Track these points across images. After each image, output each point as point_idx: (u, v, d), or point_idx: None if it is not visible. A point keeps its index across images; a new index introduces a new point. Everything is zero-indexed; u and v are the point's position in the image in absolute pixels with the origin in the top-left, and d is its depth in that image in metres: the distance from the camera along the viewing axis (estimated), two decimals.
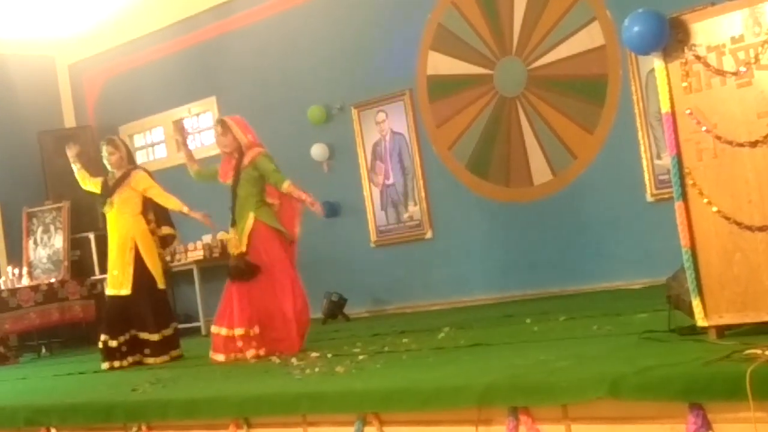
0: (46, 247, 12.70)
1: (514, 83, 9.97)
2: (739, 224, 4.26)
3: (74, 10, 12.65)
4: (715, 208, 4.32)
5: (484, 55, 10.16)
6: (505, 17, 9.99)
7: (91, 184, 8.40)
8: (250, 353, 6.99)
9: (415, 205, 10.78)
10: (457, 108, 10.36)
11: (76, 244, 12.79)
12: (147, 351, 8.02)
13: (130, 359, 7.99)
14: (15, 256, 12.67)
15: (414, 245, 10.81)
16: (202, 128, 12.83)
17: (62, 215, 12.64)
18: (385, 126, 10.98)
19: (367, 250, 11.17)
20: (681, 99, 4.41)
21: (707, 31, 4.33)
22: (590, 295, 8.99)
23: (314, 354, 6.40)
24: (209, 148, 12.16)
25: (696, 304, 4.40)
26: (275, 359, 6.64)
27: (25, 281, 11.95)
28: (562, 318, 6.75)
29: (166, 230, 8.52)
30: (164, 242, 8.52)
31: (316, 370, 5.55)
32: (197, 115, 12.88)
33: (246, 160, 7.18)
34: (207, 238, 11.61)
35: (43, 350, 12.02)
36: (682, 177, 4.42)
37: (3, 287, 11.69)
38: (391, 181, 10.97)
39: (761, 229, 4.20)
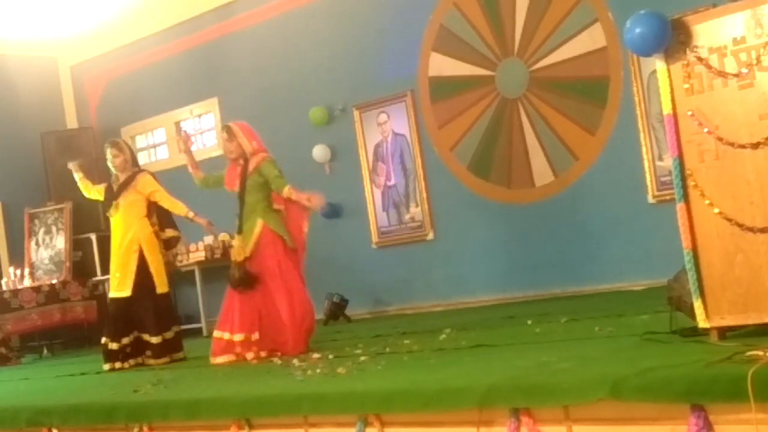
0: (48, 247, 12.70)
1: (515, 84, 9.97)
2: (740, 226, 4.26)
3: (76, 11, 12.66)
4: (716, 210, 4.31)
5: (486, 56, 10.15)
6: (507, 18, 9.99)
7: (94, 192, 8.36)
8: (250, 355, 7.02)
9: (417, 206, 10.78)
10: (459, 109, 10.36)
11: (78, 245, 12.79)
12: (148, 353, 8.02)
13: (132, 361, 7.98)
14: (17, 256, 12.68)
15: (415, 246, 10.81)
16: (204, 129, 12.83)
17: (64, 216, 12.65)
18: (387, 127, 10.98)
19: (369, 251, 11.17)
20: (683, 100, 4.41)
21: (709, 33, 4.33)
22: (592, 296, 8.99)
23: (316, 355, 6.40)
24: (210, 150, 12.19)
25: (697, 305, 4.39)
26: (277, 360, 6.64)
27: (27, 282, 11.97)
28: (563, 319, 6.74)
29: (170, 233, 8.48)
30: (168, 245, 8.49)
31: (318, 371, 5.55)
32: (199, 116, 12.89)
33: (251, 167, 7.14)
34: (209, 239, 11.61)
35: (45, 351, 12.03)
36: (683, 178, 4.41)
37: (5, 288, 11.71)
38: (392, 182, 10.97)
39: (763, 230, 4.19)
